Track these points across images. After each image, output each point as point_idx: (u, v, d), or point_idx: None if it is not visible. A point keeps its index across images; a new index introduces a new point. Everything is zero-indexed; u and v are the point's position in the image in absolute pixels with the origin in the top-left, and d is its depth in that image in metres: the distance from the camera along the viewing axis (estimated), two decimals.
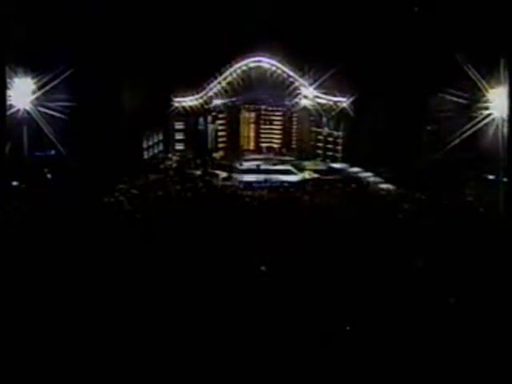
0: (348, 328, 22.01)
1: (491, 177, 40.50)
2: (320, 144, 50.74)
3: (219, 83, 49.74)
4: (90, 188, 38.57)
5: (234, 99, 51.11)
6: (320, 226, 32.65)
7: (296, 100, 50.34)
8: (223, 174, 46.45)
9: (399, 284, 25.24)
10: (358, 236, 30.56)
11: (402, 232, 31.95)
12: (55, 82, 38.91)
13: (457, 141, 39.79)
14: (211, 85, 49.82)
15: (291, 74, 49.34)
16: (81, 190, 38.11)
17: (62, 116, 39.16)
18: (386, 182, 44.18)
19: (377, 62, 42.53)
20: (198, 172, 46.75)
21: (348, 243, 29.37)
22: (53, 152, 42.06)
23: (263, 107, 52.46)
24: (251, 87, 50.13)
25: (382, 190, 42.98)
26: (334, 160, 49.39)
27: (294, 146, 52.44)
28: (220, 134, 52.04)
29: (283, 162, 49.14)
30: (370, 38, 42.31)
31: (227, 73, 49.53)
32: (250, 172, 46.28)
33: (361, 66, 42.84)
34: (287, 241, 30.10)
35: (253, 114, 52.63)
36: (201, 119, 50.72)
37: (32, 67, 38.98)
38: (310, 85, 48.79)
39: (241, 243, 29.59)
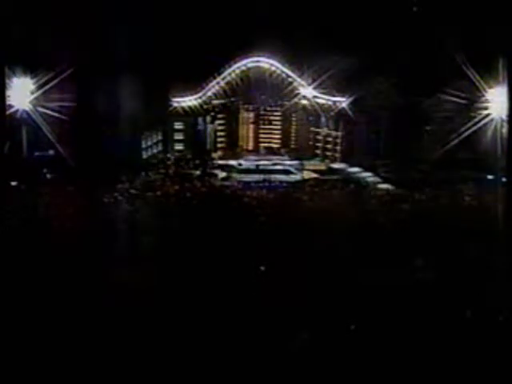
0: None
1: (490, 177, 40.45)
2: (319, 144, 50.29)
3: (218, 83, 49.47)
4: (89, 188, 38.40)
5: (232, 99, 50.78)
6: (318, 225, 31.91)
7: (295, 100, 49.96)
8: (222, 174, 46.35)
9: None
10: (357, 236, 30.13)
11: (402, 232, 31.54)
12: (54, 82, 38.78)
13: (456, 141, 39.73)
14: (210, 85, 49.56)
15: (290, 73, 49.04)
16: (80, 189, 37.98)
17: (62, 116, 39.08)
18: (385, 182, 44.11)
19: (376, 60, 42.27)
20: (197, 172, 46.66)
21: (347, 244, 28.90)
22: (51, 152, 42.06)
23: (262, 107, 51.88)
24: (250, 87, 49.88)
25: (381, 190, 42.90)
26: (333, 160, 48.94)
27: (292, 146, 51.88)
28: (219, 134, 51.58)
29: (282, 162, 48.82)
30: (369, 37, 41.71)
31: (226, 73, 49.24)
32: (248, 172, 46.19)
33: (360, 65, 42.45)
34: (286, 241, 29.44)
35: (252, 114, 51.97)
36: (200, 119, 50.30)
37: (31, 66, 38.92)
38: (309, 85, 48.42)
39: (240, 243, 29.07)
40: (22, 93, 39.47)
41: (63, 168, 41.02)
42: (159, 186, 42.62)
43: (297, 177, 46.20)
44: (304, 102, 49.86)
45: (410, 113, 44.16)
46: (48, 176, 42.91)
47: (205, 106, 50.24)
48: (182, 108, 49.76)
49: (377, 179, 45.08)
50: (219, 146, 51.78)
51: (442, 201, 38.57)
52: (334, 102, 48.28)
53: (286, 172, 46.61)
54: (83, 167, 40.12)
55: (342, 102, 47.64)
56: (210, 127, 50.99)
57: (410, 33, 41.09)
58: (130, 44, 40.56)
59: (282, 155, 50.73)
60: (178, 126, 50.01)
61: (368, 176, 45.76)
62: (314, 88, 48.37)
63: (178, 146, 50.11)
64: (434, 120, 44.06)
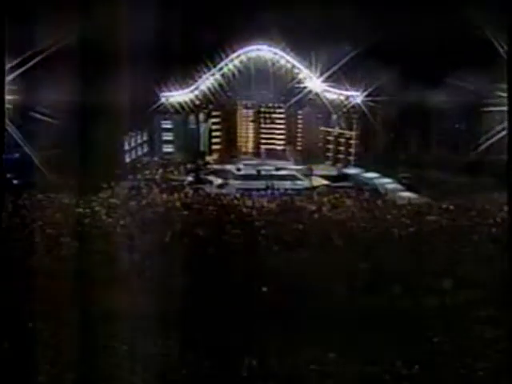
0: None
1: None
2: (329, 146, 49.08)
3: (212, 75, 47.90)
4: (62, 196, 35.72)
5: (229, 94, 49.49)
6: (328, 242, 29.18)
7: (301, 95, 48.13)
8: (218, 181, 44.67)
9: None
10: (377, 256, 26.99)
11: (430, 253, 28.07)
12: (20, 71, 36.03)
13: (490, 141, 37.68)
14: (203, 77, 47.92)
15: (296, 64, 47.27)
16: (51, 198, 35.47)
17: (30, 112, 37.72)
18: (408, 189, 41.46)
19: (394, 49, 40.00)
20: (189, 178, 44.83)
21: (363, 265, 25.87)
22: (17, 155, 39.89)
23: (264, 103, 51.10)
24: (250, 80, 48.34)
25: (403, 198, 39.69)
26: (346, 164, 47.57)
27: (299, 148, 50.84)
28: (214, 134, 50.71)
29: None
30: (386, 22, 39.90)
31: (222, 63, 47.73)
32: (248, 178, 44.40)
33: (377, 54, 40.42)
34: (290, 258, 27.02)
35: (251, 112, 51.38)
36: (192, 117, 49.08)
37: None
38: (318, 77, 46.51)
39: (239, 261, 26.53)
40: None
41: (31, 173, 38.33)
42: (144, 195, 39.50)
43: (304, 183, 43.88)
44: (312, 96, 47.92)
45: (436, 109, 41.91)
46: (14, 182, 40.38)
47: (197, 102, 48.67)
48: (171, 104, 48.04)
49: (397, 186, 42.32)
50: (214, 147, 51.06)
51: (472, 212, 34.85)
52: (347, 96, 46.19)
53: (292, 178, 44.52)
54: (55, 172, 37.45)
55: (356, 96, 45.51)
56: (203, 126, 49.82)
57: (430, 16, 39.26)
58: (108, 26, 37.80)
59: (287, 159, 49.77)
60: (166, 124, 48.78)
61: (387, 183, 43.07)
62: (324, 81, 46.44)
63: (167, 148, 49.06)
64: (464, 117, 42.36)
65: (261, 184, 42.88)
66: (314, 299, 22.73)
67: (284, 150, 51.13)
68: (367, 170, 45.26)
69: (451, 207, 36.18)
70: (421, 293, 24.15)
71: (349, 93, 45.95)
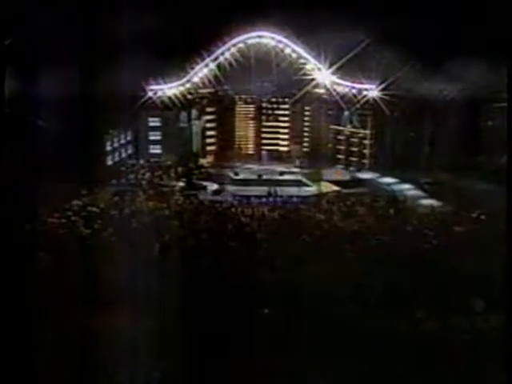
0: None
1: None
2: (341, 146, 47.65)
3: (206, 66, 46.32)
4: (34, 205, 32.73)
5: (226, 87, 48.51)
6: (339, 256, 27.52)
7: (308, 88, 46.72)
8: (213, 186, 43.23)
9: None
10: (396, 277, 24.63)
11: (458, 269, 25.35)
12: None
13: None
14: (196, 68, 46.37)
15: (302, 53, 45.66)
16: (20, 207, 31.58)
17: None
18: (430, 196, 39.84)
19: (415, 37, 38.22)
20: (180, 183, 43.35)
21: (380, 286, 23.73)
22: None
23: (265, 98, 49.96)
24: (250, 71, 46.82)
25: (424, 207, 38.29)
26: (360, 168, 46.21)
27: (306, 150, 49.39)
28: (209, 133, 49.26)
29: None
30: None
31: (218, 52, 46.17)
32: (248, 183, 43.00)
33: (395, 42, 39.09)
34: (295, 275, 25.34)
35: (252, 108, 50.41)
36: (183, 114, 47.55)
37: None
38: (327, 68, 45.01)
39: (236, 278, 24.82)
40: None
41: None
42: (128, 202, 37.85)
43: (311, 189, 42.06)
44: (320, 90, 46.35)
45: (463, 105, 39.90)
46: None
47: (190, 97, 46.92)
48: (160, 98, 46.38)
49: (418, 193, 40.51)
50: (209, 149, 49.83)
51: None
52: (360, 90, 44.33)
53: (297, 183, 42.81)
54: (24, 174, 33.97)
55: (371, 90, 43.59)
56: (196, 124, 48.32)
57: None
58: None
59: (292, 162, 48.48)
60: (154, 122, 47.03)
61: (406, 189, 41.35)
62: (334, 72, 44.72)
63: (155, 149, 47.51)
64: (497, 115, 39.48)
65: (262, 190, 42.30)
66: (324, 324, 20.72)
67: (288, 152, 49.73)
68: (384, 175, 43.89)
69: (482, 216, 34.08)
70: (450, 317, 21.66)
71: (362, 86, 44.37)
